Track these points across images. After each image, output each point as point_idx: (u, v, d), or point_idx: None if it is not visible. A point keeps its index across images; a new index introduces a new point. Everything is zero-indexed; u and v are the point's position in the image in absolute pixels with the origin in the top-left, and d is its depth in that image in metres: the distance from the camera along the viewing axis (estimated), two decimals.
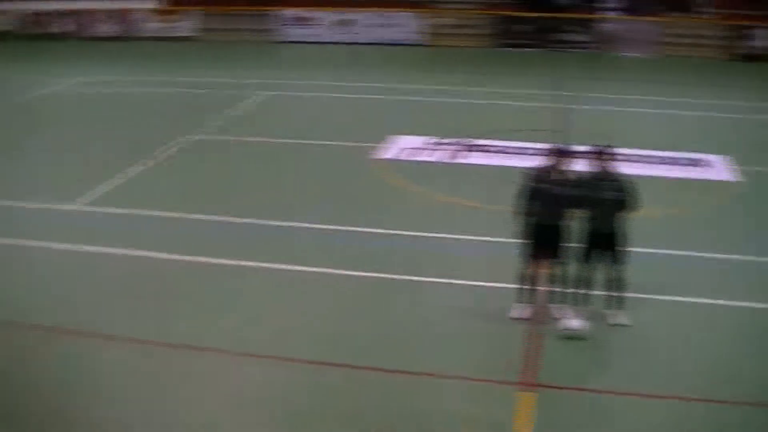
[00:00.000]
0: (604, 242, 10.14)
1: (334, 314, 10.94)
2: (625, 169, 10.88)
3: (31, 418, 8.61)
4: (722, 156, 17.73)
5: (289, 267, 12.30)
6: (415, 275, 12.01)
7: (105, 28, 35.51)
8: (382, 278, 12.00)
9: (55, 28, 35.85)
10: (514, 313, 10.62)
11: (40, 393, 9.10)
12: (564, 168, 10.14)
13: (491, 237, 13.15)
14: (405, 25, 34.05)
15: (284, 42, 34.53)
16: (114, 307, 11.11)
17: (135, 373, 9.51)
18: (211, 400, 8.99)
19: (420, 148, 18.44)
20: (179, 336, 10.27)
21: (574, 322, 10.15)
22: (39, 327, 10.47)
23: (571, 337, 10.08)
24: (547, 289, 10.68)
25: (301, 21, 34.59)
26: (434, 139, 19.04)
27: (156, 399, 9.00)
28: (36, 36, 35.78)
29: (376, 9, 33.93)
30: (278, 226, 13.93)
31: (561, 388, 9.25)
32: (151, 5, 35.30)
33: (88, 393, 9.13)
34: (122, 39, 34.81)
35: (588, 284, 10.35)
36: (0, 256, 12.94)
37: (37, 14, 36.18)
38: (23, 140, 19.53)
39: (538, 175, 10.20)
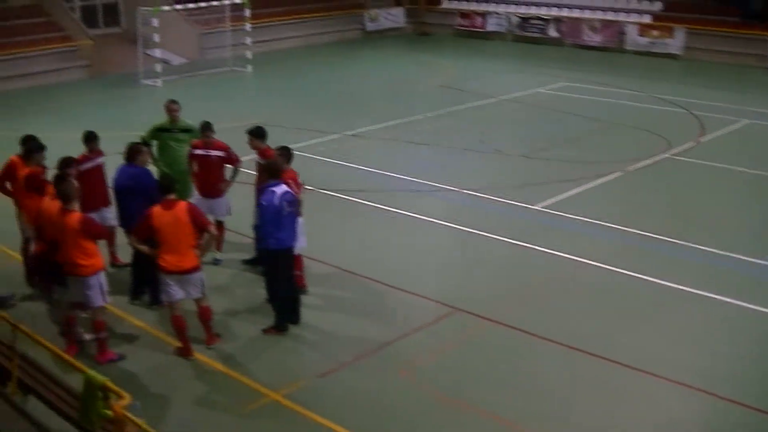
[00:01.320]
0: None
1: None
2: None
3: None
4: None
5: (730, 300, 12.28)
6: None
7: (592, 37, 36.68)
8: None
9: (541, 33, 37.98)
10: None
11: (487, 378, 10.36)
12: None
13: None
14: None
15: None
16: (553, 309, 12.04)
17: (573, 380, 10.25)
18: (647, 426, 9.39)
19: None
20: (619, 352, 10.75)
21: None
22: (486, 317, 11.79)
23: None
24: None
25: None
26: None
27: (596, 412, 9.57)
28: (522, 38, 38.37)
29: None
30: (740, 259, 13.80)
31: None
32: (644, 20, 35.95)
33: (524, 386, 10.08)
34: (607, 49, 35.76)
35: None
36: (456, 244, 14.66)
37: (525, 18, 38.72)
38: (499, 136, 21.50)
39: None
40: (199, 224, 10.47)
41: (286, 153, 11.95)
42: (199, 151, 13.27)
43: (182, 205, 10.52)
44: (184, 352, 10.75)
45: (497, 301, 12.28)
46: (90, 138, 12.89)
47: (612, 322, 11.66)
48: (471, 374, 10.36)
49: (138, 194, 11.50)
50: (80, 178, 11.82)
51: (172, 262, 10.36)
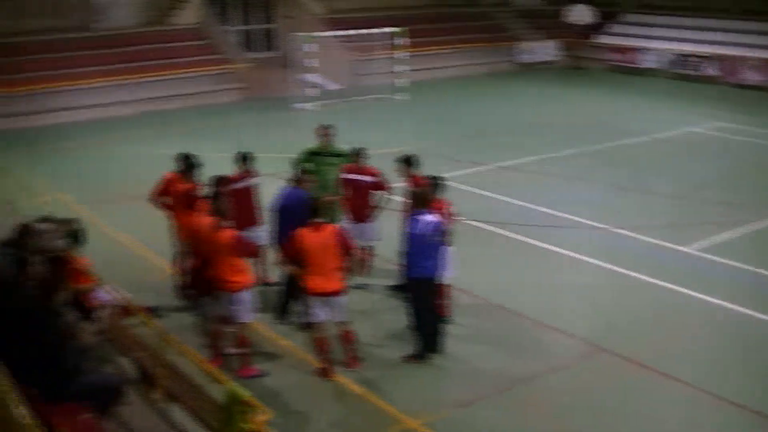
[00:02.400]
0: None
1: None
2: None
3: None
4: None
5: None
6: None
7: (752, 76, 35.55)
8: None
9: (698, 70, 37.06)
10: None
11: (627, 423, 10.12)
12: None
13: None
14: None
15: None
16: (700, 357, 11.61)
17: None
18: None
19: None
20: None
21: None
22: (631, 359, 11.54)
23: None
24: None
25: None
26: None
27: None
28: (678, 76, 37.55)
29: None
30: None
31: None
32: None
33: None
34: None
35: None
36: (604, 283, 14.39)
37: (682, 55, 37.80)
38: (650, 174, 21.09)
39: None
40: (345, 247, 10.64)
41: (436, 182, 12.03)
42: (350, 176, 13.51)
43: (330, 228, 10.71)
44: (325, 373, 10.88)
45: (642, 343, 11.93)
46: (244, 158, 13.31)
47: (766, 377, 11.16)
48: (611, 416, 10.09)
49: (298, 216, 11.76)
50: (232, 197, 12.22)
51: (318, 284, 10.53)
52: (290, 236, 10.81)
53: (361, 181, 13.43)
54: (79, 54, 33.11)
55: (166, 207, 13.10)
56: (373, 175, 13.49)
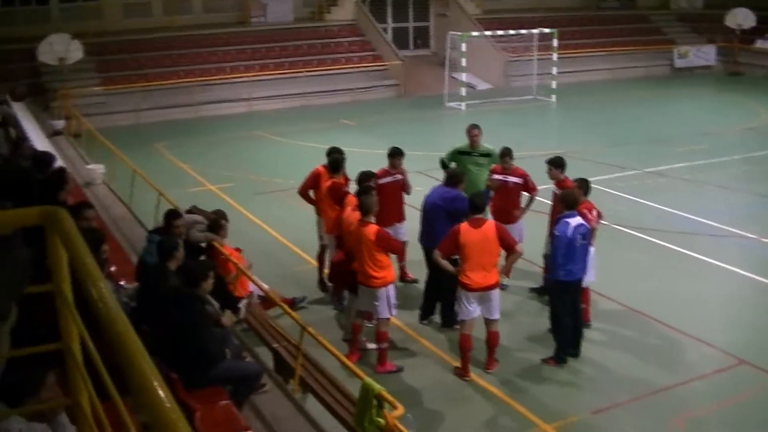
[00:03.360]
0: None
1: None
2: None
3: None
4: None
5: None
6: None
7: None
8: None
9: None
10: None
11: None
12: None
13: None
14: None
15: None
16: None
17: None
18: None
19: None
20: None
21: None
22: None
23: None
24: None
25: None
26: None
27: None
28: None
29: None
30: None
31: None
32: None
33: None
34: None
35: None
36: (749, 294, 13.71)
37: None
38: None
39: None
40: (506, 243, 10.48)
41: (584, 185, 11.69)
42: (497, 177, 13.27)
43: (490, 224, 10.57)
44: (463, 372, 10.75)
45: None
46: (394, 154, 13.24)
47: None
48: (749, 430, 9.55)
49: (447, 216, 11.63)
50: (377, 193, 12.21)
51: (476, 279, 10.39)
52: (448, 233, 10.66)
53: (508, 182, 13.18)
54: (237, 48, 34.05)
55: (314, 201, 13.19)
56: (521, 176, 13.22)
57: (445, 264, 10.73)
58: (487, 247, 10.35)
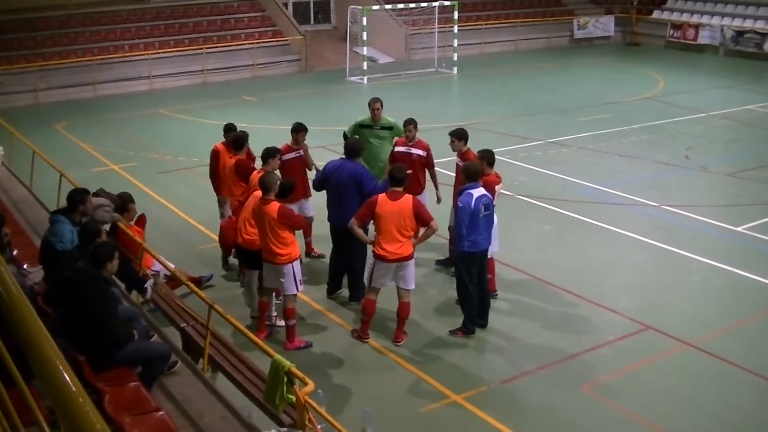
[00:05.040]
0: None
1: None
2: None
3: None
4: None
5: None
6: None
7: None
8: None
9: (757, 47, 35.82)
10: None
11: (679, 403, 9.84)
12: None
13: None
14: None
15: None
16: (751, 338, 11.30)
17: None
18: None
19: None
20: None
21: None
22: (679, 339, 11.33)
23: None
24: None
25: None
26: None
27: None
28: (736, 53, 36.31)
29: None
30: None
31: None
32: None
33: (721, 415, 9.50)
34: None
35: None
36: (660, 259, 14.13)
37: (740, 32, 36.56)
38: (705, 153, 20.58)
39: None
40: (422, 218, 10.60)
41: (488, 156, 11.83)
42: (400, 149, 13.29)
43: (408, 198, 10.65)
44: (362, 334, 10.98)
45: (692, 323, 11.68)
46: (297, 129, 13.19)
47: None
48: (656, 394, 9.90)
49: (357, 192, 11.67)
50: (282, 169, 12.15)
51: (391, 249, 10.51)
52: (366, 202, 10.82)
53: (412, 153, 13.20)
54: (136, 26, 33.41)
55: (217, 179, 13.11)
56: (424, 148, 13.25)
57: (360, 233, 10.84)
58: (403, 221, 10.49)
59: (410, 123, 13.20)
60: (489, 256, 11.54)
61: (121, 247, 9.56)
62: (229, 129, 13.15)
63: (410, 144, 13.18)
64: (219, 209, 13.45)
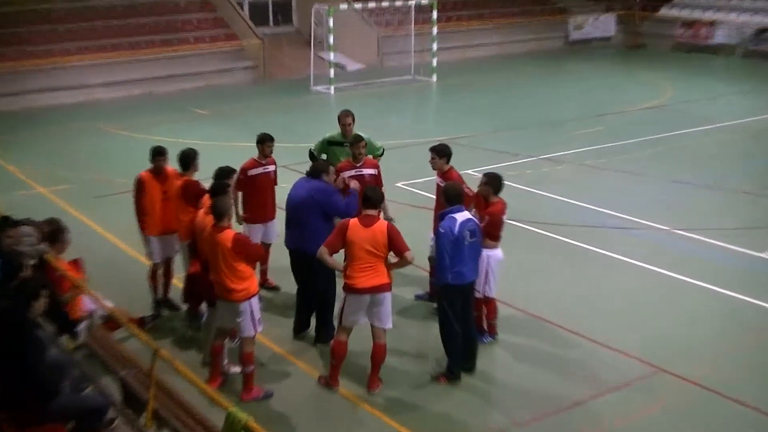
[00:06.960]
0: None
1: None
2: None
3: None
4: None
5: None
6: None
7: None
8: None
9: None
10: None
11: None
12: None
13: None
14: None
15: None
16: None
17: None
18: None
19: None
20: None
21: None
22: (693, 382, 11.31)
23: None
24: None
25: None
26: None
27: None
28: (755, 54, 36.97)
29: None
30: None
31: None
32: None
33: None
34: None
35: None
36: (670, 290, 14.14)
37: (761, 30, 37.29)
38: (719, 168, 20.70)
39: None
40: (396, 248, 10.52)
41: (495, 182, 11.81)
42: (349, 173, 12.77)
43: (382, 224, 10.60)
44: (331, 381, 10.90)
45: (707, 363, 11.70)
46: (263, 140, 13.04)
47: None
48: None
49: (322, 212, 11.59)
50: (248, 186, 12.03)
51: (363, 279, 10.46)
52: (336, 227, 10.75)
53: (363, 174, 12.93)
54: (68, 27, 33.25)
55: (143, 215, 12.78)
56: (373, 166, 13.11)
57: (332, 261, 10.77)
58: (374, 249, 10.43)
59: (360, 140, 13.06)
60: (491, 296, 11.55)
61: (50, 284, 9.43)
62: (157, 153, 12.72)
63: (358, 165, 13.01)
64: (145, 248, 13.17)
